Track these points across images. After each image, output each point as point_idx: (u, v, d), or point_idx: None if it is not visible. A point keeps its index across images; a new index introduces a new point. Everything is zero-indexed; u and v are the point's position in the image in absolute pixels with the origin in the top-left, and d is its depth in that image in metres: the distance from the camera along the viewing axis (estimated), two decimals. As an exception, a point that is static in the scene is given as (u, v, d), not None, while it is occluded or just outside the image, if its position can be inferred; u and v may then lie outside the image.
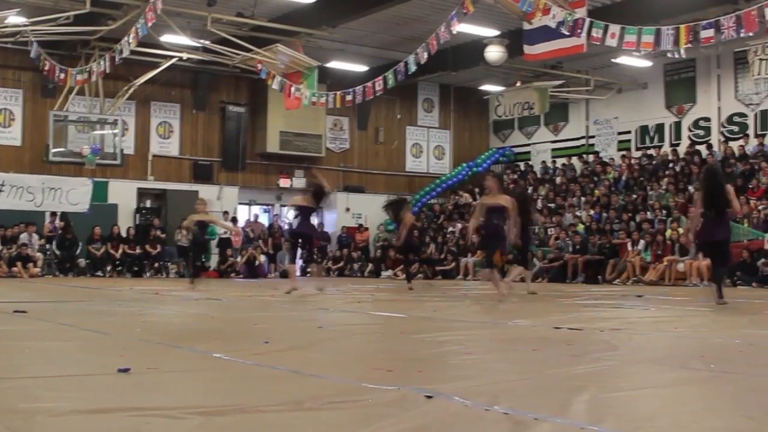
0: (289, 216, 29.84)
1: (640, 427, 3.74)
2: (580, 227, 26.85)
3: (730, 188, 12.47)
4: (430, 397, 4.38)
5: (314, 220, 17.19)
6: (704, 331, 9.01)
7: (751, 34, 15.12)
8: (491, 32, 26.28)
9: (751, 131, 28.36)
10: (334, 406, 4.24)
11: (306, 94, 24.25)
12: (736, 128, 28.80)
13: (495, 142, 36.77)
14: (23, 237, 26.01)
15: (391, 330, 8.72)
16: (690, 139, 29.84)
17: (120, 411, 4.04)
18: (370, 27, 27.01)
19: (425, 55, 20.19)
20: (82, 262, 26.93)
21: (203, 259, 28.67)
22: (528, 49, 24.21)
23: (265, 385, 5.00)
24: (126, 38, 21.44)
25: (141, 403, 4.22)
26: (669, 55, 24.72)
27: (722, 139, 28.89)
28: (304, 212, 16.91)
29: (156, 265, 27.90)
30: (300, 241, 17.04)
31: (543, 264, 26.17)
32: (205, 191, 30.07)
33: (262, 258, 29.61)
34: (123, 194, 28.71)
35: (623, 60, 28.82)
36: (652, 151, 30.32)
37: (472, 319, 10.32)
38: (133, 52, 22.50)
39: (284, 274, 28.81)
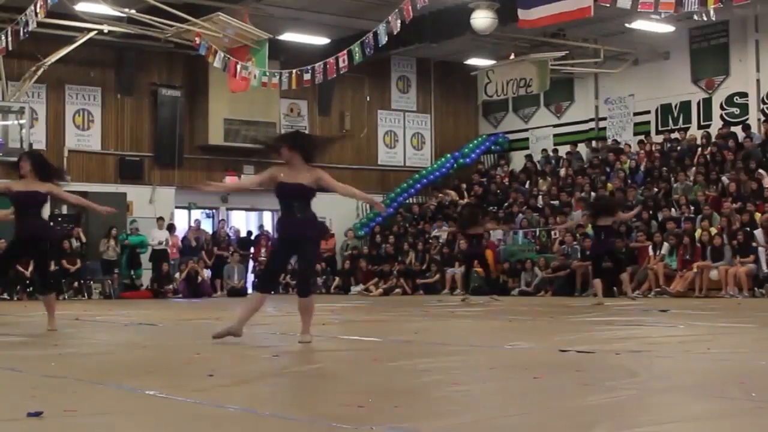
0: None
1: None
2: (590, 229, 26.91)
3: None
4: (410, 438, 4.38)
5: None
6: (744, 352, 9.05)
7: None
8: (479, -6, 26.39)
9: (796, 108, 28.60)
10: (293, 451, 4.24)
11: (255, 73, 24.22)
12: (779, 104, 29.04)
13: (485, 128, 36.82)
14: None
15: (363, 357, 8.72)
16: (723, 118, 29.98)
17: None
18: (332, -10, 27.10)
19: (399, 24, 20.22)
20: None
21: (133, 275, 28.70)
22: (523, 14, 24.23)
23: (210, 428, 4.98)
24: (32, 7, 21.33)
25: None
26: (696, 17, 24.84)
27: (762, 118, 29.03)
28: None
29: (76, 284, 27.75)
30: None
31: (546, 274, 26.24)
32: (135, 193, 30.06)
33: (206, 273, 29.54)
34: (33, 199, 28.49)
35: (639, 25, 28.94)
36: (676, 135, 30.48)
37: (460, 342, 10.33)
38: (41, 25, 22.37)
39: (233, 293, 28.79)
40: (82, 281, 27.83)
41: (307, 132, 11.13)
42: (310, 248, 10.51)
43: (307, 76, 23.13)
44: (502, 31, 27.74)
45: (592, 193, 29.10)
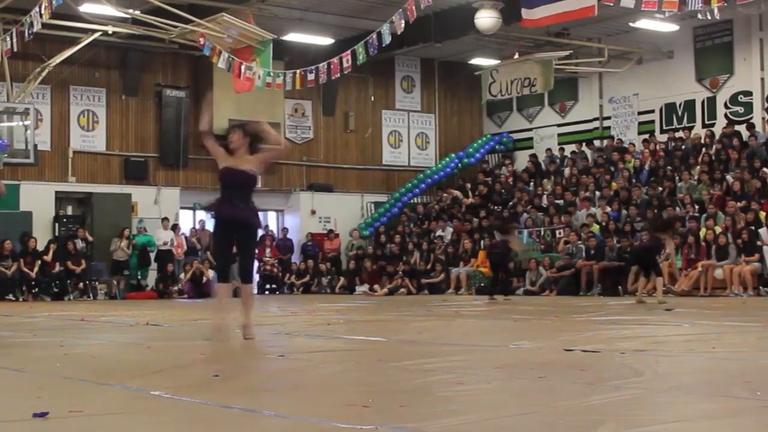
0: None
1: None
2: (595, 228, 26.89)
3: None
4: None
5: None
6: (748, 351, 9.03)
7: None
8: (482, -7, 26.37)
9: (801, 107, 28.53)
10: (298, 451, 4.24)
11: (259, 73, 24.21)
12: (783, 104, 28.98)
13: (489, 128, 36.79)
14: None
15: (368, 357, 8.71)
16: (727, 117, 29.91)
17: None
18: (336, -10, 27.08)
19: (403, 24, 20.20)
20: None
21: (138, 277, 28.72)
22: (527, 14, 24.23)
23: (215, 429, 4.98)
24: (36, 8, 21.31)
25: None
26: (699, 16, 24.79)
27: (767, 116, 28.98)
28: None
29: (81, 285, 27.73)
30: None
31: (551, 273, 26.22)
32: (140, 193, 30.03)
33: (210, 273, 29.51)
34: (38, 199, 28.49)
35: (643, 24, 28.90)
36: (680, 134, 30.42)
37: (465, 342, 10.32)
38: (45, 26, 22.36)
39: (238, 293, 28.71)
40: (87, 282, 27.82)
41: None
42: (252, 235, 11.15)
43: (311, 77, 23.12)
44: (506, 30, 27.73)
45: (597, 193, 29.09)
